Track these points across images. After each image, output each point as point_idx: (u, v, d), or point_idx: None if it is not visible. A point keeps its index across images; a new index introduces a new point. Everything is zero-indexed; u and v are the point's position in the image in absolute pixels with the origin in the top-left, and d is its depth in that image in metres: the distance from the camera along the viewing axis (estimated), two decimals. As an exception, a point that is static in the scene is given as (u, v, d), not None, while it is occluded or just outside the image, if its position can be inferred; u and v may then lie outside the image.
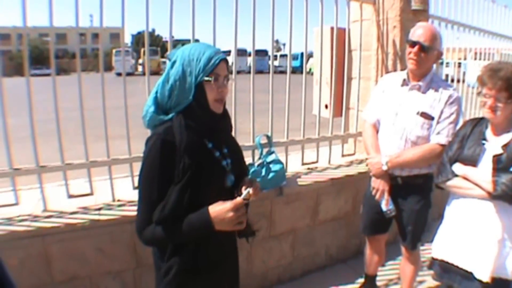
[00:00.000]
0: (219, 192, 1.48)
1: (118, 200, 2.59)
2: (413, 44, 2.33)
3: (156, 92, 1.47)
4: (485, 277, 1.86)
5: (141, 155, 2.64)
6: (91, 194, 2.56)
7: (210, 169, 1.46)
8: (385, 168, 2.40)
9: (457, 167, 2.00)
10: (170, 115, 1.44)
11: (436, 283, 2.73)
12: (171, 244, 1.49)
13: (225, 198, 1.43)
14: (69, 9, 2.33)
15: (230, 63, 1.54)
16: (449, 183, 2.03)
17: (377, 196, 2.46)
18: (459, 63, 4.95)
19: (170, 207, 1.36)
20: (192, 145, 1.40)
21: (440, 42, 2.39)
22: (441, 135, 2.32)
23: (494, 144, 1.94)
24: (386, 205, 2.43)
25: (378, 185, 2.45)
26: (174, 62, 1.43)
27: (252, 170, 2.77)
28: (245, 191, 1.43)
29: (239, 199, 1.40)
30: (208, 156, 1.48)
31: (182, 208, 1.37)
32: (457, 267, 2.00)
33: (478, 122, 2.10)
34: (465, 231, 1.98)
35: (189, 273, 1.50)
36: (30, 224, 2.24)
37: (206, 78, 1.39)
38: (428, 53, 2.31)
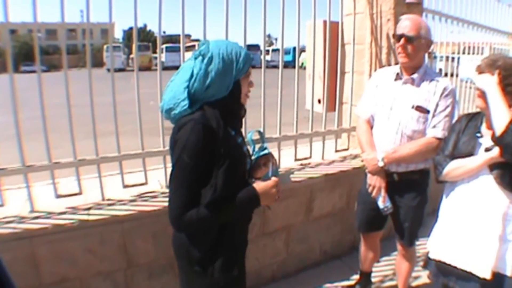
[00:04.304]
0: (242, 177, 1.65)
1: (108, 199, 2.53)
2: (398, 38, 2.31)
3: (188, 86, 1.52)
4: (487, 275, 1.83)
5: (131, 152, 2.64)
6: (80, 193, 2.50)
7: (238, 154, 1.62)
8: (381, 164, 2.36)
9: (455, 162, 1.97)
10: (197, 105, 1.53)
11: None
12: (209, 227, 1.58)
13: (244, 180, 1.65)
14: (59, 4, 2.27)
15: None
16: (446, 169, 1.98)
17: (373, 193, 2.42)
18: (453, 57, 4.94)
19: (221, 188, 1.46)
20: (226, 132, 1.53)
21: (428, 31, 2.35)
22: (437, 129, 2.29)
23: (488, 138, 1.91)
24: (383, 202, 2.39)
25: (375, 182, 2.41)
26: (210, 58, 1.50)
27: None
28: (271, 169, 1.67)
29: (275, 178, 1.62)
30: (236, 142, 1.64)
31: (230, 188, 1.50)
32: (454, 267, 1.97)
33: (473, 117, 2.07)
34: (462, 230, 1.94)
35: (229, 251, 1.64)
36: (16, 225, 2.18)
37: (243, 76, 1.57)
38: (414, 43, 2.28)
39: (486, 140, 1.92)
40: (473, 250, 1.89)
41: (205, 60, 1.50)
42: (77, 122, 2.45)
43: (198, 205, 1.46)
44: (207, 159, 1.46)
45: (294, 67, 3.20)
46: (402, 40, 2.28)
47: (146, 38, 49.49)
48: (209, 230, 1.56)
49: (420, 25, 2.31)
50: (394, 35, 2.37)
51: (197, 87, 1.51)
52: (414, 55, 2.31)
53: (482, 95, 1.87)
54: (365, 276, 2.97)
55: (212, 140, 1.45)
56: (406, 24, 2.30)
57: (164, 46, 30.51)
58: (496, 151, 1.79)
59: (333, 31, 3.46)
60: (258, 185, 1.58)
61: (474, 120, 2.04)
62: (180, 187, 1.47)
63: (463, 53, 5.20)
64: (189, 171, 1.45)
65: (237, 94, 1.58)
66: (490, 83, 1.81)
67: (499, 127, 1.71)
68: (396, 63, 2.61)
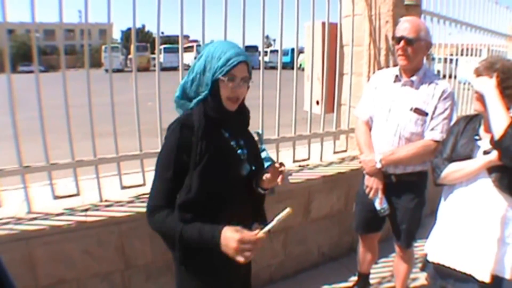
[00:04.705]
0: (236, 180, 1.58)
1: (106, 201, 2.52)
2: (398, 40, 2.30)
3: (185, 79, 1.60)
4: (486, 278, 1.83)
5: (129, 153, 2.64)
6: (77, 194, 2.49)
7: (226, 156, 1.56)
8: (379, 166, 2.36)
9: (453, 165, 1.96)
10: (193, 103, 1.56)
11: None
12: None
13: (240, 188, 1.59)
14: (57, 4, 2.27)
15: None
16: (444, 172, 1.97)
17: (370, 195, 2.42)
18: (451, 59, 4.95)
19: (196, 190, 1.44)
20: (209, 131, 1.50)
21: (427, 33, 2.35)
22: (435, 131, 2.29)
23: (486, 141, 1.90)
24: (380, 203, 2.39)
25: (372, 184, 2.42)
26: (201, 56, 1.54)
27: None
28: (272, 223, 1.42)
29: (253, 235, 1.40)
30: (225, 144, 1.59)
31: (205, 192, 1.46)
32: (452, 269, 1.96)
33: (471, 120, 2.06)
34: (461, 232, 1.93)
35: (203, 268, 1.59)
36: (13, 227, 2.17)
37: (221, 77, 1.47)
38: (414, 45, 2.27)
39: (484, 143, 1.91)
40: (472, 253, 1.88)
41: (198, 58, 1.56)
42: (75, 122, 2.44)
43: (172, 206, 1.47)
44: (182, 157, 1.48)
45: (292, 68, 3.19)
46: (402, 43, 2.27)
47: (144, 39, 49.34)
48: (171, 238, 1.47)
49: (420, 27, 2.31)
50: (393, 37, 2.37)
51: (185, 81, 1.58)
52: (414, 58, 2.31)
53: (480, 98, 1.86)
54: (363, 278, 2.96)
55: (188, 139, 1.48)
56: (406, 26, 2.30)
57: (162, 47, 30.50)
58: (494, 154, 1.78)
59: (332, 33, 3.46)
60: (226, 231, 1.40)
61: (472, 123, 2.03)
62: (156, 181, 1.54)
63: (461, 55, 5.21)
64: (165, 168, 1.50)
65: (216, 95, 1.51)
66: (489, 86, 1.80)
67: (498, 131, 1.70)
68: (395, 65, 2.61)
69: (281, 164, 1.58)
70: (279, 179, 1.56)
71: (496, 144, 1.74)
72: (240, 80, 1.51)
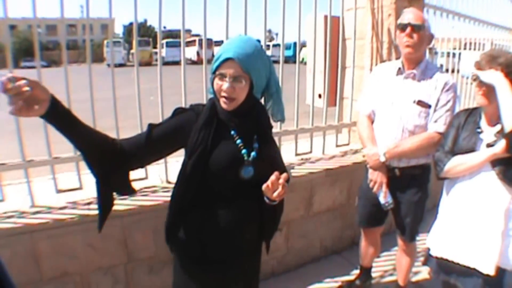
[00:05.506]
0: (234, 181, 1.55)
1: (108, 194, 2.52)
2: (404, 27, 2.28)
3: None
4: (491, 270, 1.83)
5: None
6: (80, 188, 2.50)
7: (225, 151, 1.52)
8: (382, 159, 2.36)
9: (456, 158, 1.96)
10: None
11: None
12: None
13: (239, 190, 1.57)
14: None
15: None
16: (447, 166, 1.96)
17: (375, 189, 2.42)
18: (454, 53, 4.92)
19: (190, 171, 1.51)
20: (210, 123, 1.51)
21: (429, 26, 2.36)
22: (439, 123, 2.28)
23: (489, 134, 1.89)
24: (384, 197, 2.39)
25: (376, 178, 2.41)
26: None
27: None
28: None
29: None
30: (228, 140, 1.54)
31: (198, 175, 1.51)
32: (456, 264, 1.96)
33: (472, 112, 2.05)
34: (464, 226, 1.93)
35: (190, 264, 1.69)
36: (17, 220, 2.18)
37: (213, 75, 1.48)
38: (420, 33, 2.27)
39: (487, 135, 1.90)
40: (476, 247, 1.87)
41: None
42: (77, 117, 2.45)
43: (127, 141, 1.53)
44: (175, 129, 1.54)
45: (294, 62, 3.19)
46: (409, 29, 2.25)
47: (146, 33, 49.36)
48: None
49: (424, 17, 2.33)
50: (398, 25, 2.32)
51: None
52: (419, 46, 2.30)
53: (486, 92, 1.84)
54: (365, 271, 2.97)
55: (190, 120, 1.54)
56: (411, 15, 2.29)
57: (164, 41, 30.47)
58: (498, 147, 1.77)
59: (334, 26, 3.45)
60: None
61: (473, 116, 2.02)
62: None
63: (464, 48, 5.18)
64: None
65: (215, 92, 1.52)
66: (499, 77, 1.78)
67: (510, 124, 1.70)
68: (397, 58, 2.60)
69: (282, 177, 1.44)
70: (275, 194, 1.45)
71: (507, 135, 1.72)
72: (231, 78, 1.43)
